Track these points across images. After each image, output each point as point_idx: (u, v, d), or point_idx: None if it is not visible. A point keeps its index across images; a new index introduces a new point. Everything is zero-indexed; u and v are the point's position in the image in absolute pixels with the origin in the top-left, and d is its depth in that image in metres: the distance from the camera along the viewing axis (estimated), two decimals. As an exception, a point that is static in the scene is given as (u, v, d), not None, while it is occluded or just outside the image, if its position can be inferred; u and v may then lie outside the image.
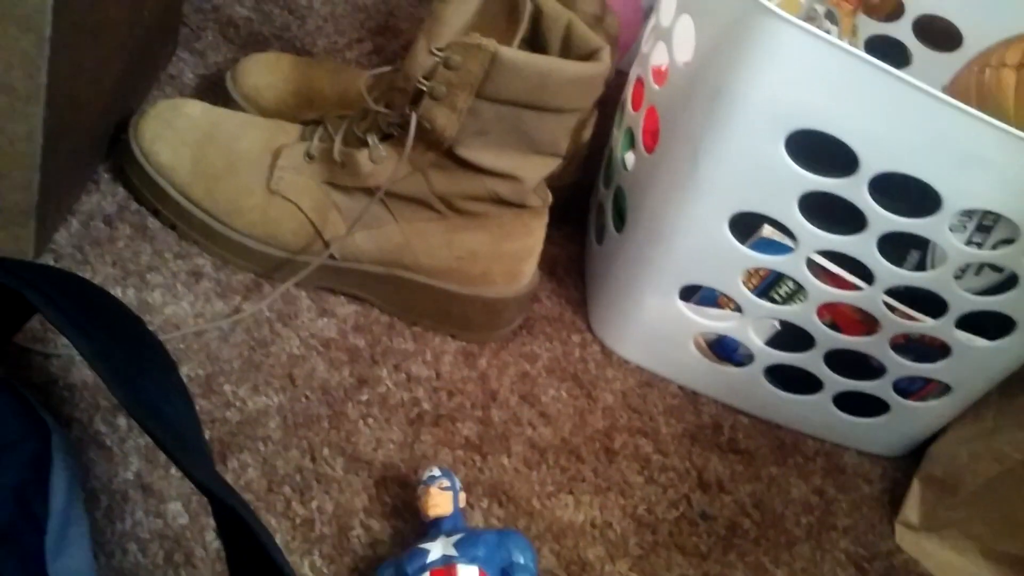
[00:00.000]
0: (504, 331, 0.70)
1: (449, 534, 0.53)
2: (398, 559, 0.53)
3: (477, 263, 0.66)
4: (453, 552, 0.52)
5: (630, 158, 0.73)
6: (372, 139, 0.63)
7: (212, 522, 0.53)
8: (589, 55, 0.62)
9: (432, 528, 0.55)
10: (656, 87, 0.69)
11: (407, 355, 0.67)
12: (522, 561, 0.53)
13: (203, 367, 0.60)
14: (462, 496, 0.56)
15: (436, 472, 0.56)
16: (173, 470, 0.54)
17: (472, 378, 0.67)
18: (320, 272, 0.66)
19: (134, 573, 0.50)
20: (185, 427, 0.45)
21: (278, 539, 0.54)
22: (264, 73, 0.73)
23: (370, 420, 0.62)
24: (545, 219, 0.68)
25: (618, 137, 0.77)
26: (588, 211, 0.83)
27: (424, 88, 0.60)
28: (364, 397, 0.63)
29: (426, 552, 0.52)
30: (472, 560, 0.52)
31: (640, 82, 0.73)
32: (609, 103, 0.79)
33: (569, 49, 0.63)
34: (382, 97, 0.63)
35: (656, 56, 0.71)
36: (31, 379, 0.55)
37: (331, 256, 0.65)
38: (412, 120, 0.60)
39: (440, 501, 0.55)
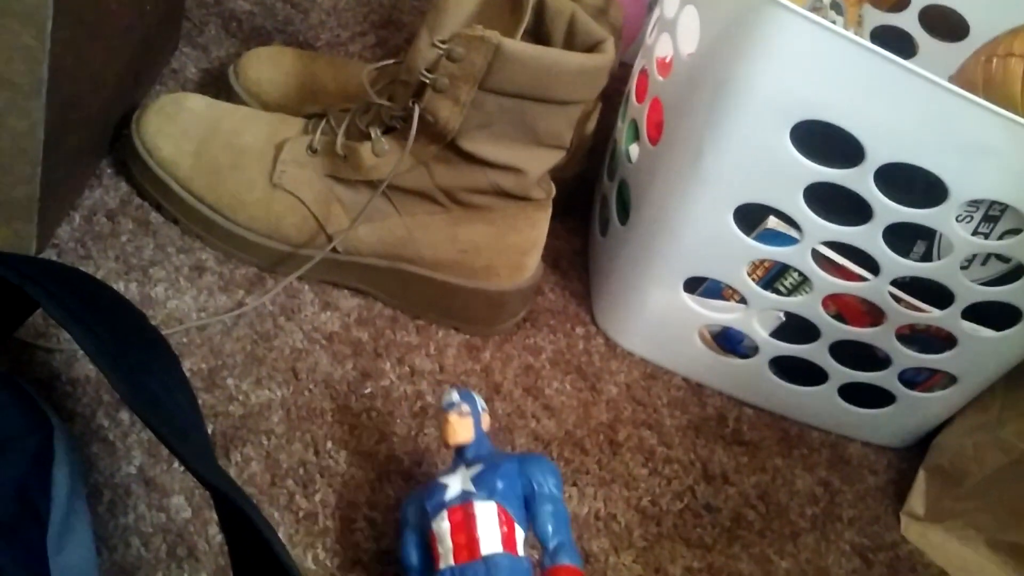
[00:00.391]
0: (508, 324, 0.70)
1: (470, 464, 0.51)
2: (421, 492, 0.52)
3: (480, 256, 0.66)
4: (471, 487, 0.50)
5: (634, 150, 0.73)
6: (375, 132, 0.63)
7: (215, 516, 0.53)
8: (593, 47, 0.61)
9: (456, 457, 0.53)
10: (660, 78, 0.68)
11: (410, 348, 0.66)
12: (545, 489, 0.51)
13: (206, 361, 0.60)
14: (486, 418, 0.54)
15: (455, 397, 0.53)
16: (176, 464, 0.54)
17: (476, 371, 0.67)
18: (323, 266, 0.66)
19: (136, 567, 0.50)
20: (187, 421, 0.45)
21: (281, 533, 0.54)
22: (267, 67, 0.73)
23: (373, 413, 0.62)
24: (549, 212, 0.68)
25: (622, 129, 0.76)
26: (592, 203, 0.83)
27: (427, 81, 0.59)
28: (367, 390, 0.63)
29: (444, 487, 0.51)
30: (490, 495, 0.50)
31: (644, 74, 0.73)
32: (613, 95, 0.79)
33: (573, 41, 0.62)
34: (385, 90, 0.63)
35: (660, 47, 0.71)
36: (33, 374, 0.55)
37: (334, 250, 0.65)
38: (415, 113, 0.60)
39: (459, 428, 0.52)
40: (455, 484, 0.51)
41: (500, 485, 0.50)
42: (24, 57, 0.50)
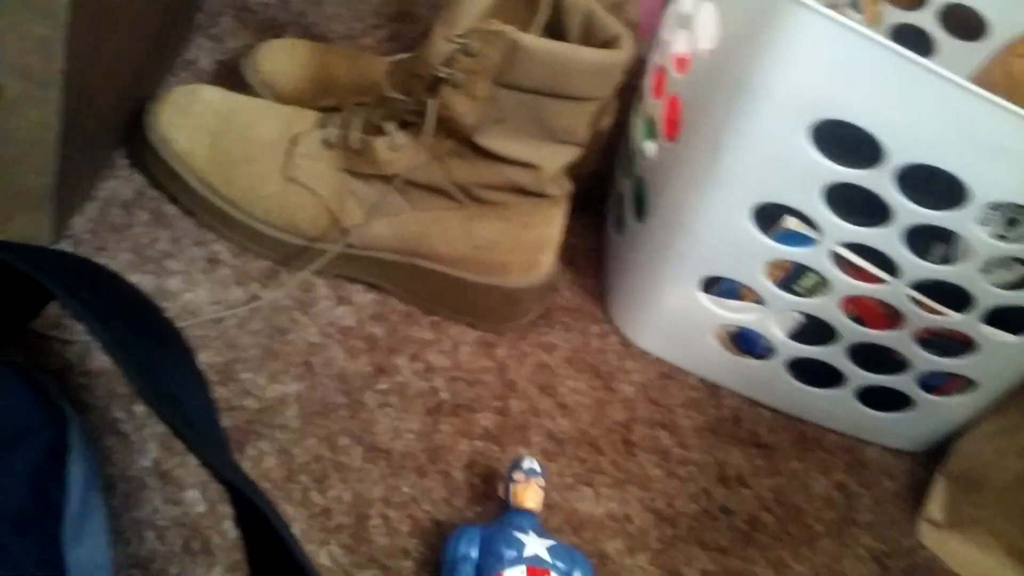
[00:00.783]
0: (522, 321, 0.70)
1: (539, 535, 0.55)
2: (485, 532, 0.54)
3: (495, 252, 0.66)
4: (547, 557, 0.54)
5: (650, 147, 0.72)
6: (390, 127, 0.62)
7: (230, 510, 0.52)
8: (609, 42, 0.61)
9: (515, 517, 0.55)
10: (677, 75, 0.68)
11: (425, 344, 0.66)
12: None
13: (221, 354, 0.60)
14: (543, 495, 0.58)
15: (537, 468, 0.57)
16: (191, 458, 0.54)
17: (490, 368, 0.67)
18: (338, 260, 0.65)
19: (151, 561, 0.50)
20: (202, 415, 0.44)
21: (295, 528, 0.54)
22: (281, 59, 0.72)
23: (388, 409, 0.61)
24: (564, 208, 0.67)
25: (638, 125, 0.76)
26: (608, 200, 0.82)
27: (443, 76, 0.59)
28: (382, 386, 0.62)
29: (520, 543, 0.54)
30: (560, 573, 0.54)
31: (660, 70, 0.72)
32: (629, 91, 0.78)
33: (589, 36, 0.62)
34: (400, 84, 0.62)
35: (677, 43, 0.70)
36: (48, 366, 0.55)
37: (349, 244, 0.65)
38: (430, 108, 0.60)
39: (535, 496, 0.56)
40: (532, 545, 0.54)
41: (565, 567, 0.54)
42: (40, 48, 0.49)
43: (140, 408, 0.55)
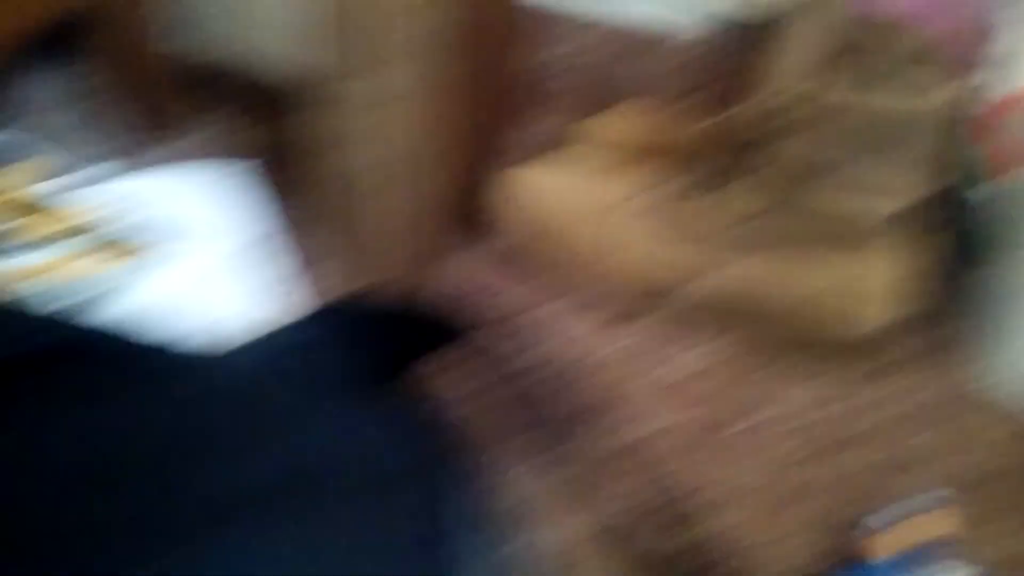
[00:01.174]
0: (861, 369, 0.68)
1: None
2: None
3: (826, 302, 0.65)
4: None
5: (990, 188, 0.68)
6: (715, 185, 0.64)
7: (595, 545, 0.54)
8: (928, 90, 0.59)
9: (863, 572, 0.55)
10: (1015, 115, 0.63)
11: (762, 393, 0.66)
12: None
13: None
14: None
15: (887, 519, 0.57)
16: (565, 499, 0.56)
17: (831, 419, 0.65)
18: (673, 312, 0.67)
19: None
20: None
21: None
22: (607, 125, 0.76)
23: (729, 459, 0.61)
24: (898, 255, 0.65)
25: (975, 165, 0.72)
26: (946, 243, 0.77)
27: (763, 132, 0.60)
28: (721, 435, 0.63)
29: None
30: None
31: (994, 106, 0.68)
32: (962, 129, 0.74)
33: (907, 85, 0.60)
34: (720, 144, 0.64)
35: (1009, 83, 0.66)
36: (424, 410, 0.59)
37: (682, 296, 0.66)
38: (753, 164, 0.61)
39: (887, 548, 0.55)
40: None
41: None
42: (406, 135, 0.55)
43: (518, 448, 0.58)
